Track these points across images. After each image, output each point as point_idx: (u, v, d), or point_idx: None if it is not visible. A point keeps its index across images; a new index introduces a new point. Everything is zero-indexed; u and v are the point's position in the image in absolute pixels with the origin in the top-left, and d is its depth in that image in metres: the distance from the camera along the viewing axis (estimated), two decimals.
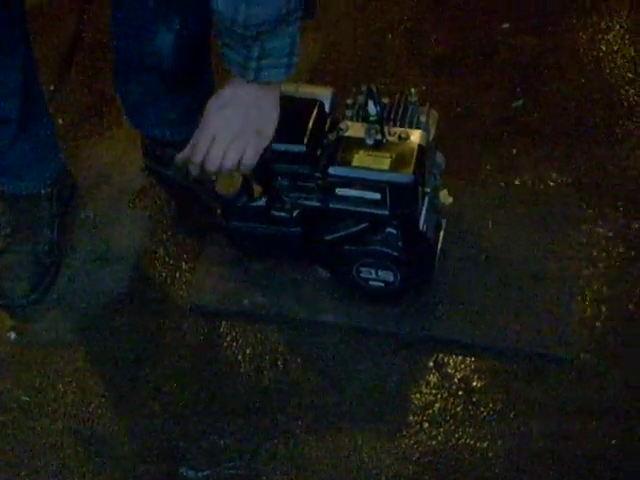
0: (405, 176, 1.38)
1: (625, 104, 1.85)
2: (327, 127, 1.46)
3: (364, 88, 1.44)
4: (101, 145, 1.87)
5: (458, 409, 1.49)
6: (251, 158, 1.39)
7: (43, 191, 1.70)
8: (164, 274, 1.68)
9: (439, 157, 1.55)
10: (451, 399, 1.50)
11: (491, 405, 1.49)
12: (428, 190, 1.48)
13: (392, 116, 1.44)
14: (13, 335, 1.63)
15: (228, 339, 1.59)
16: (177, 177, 1.73)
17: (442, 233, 1.59)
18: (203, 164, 1.39)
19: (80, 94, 1.94)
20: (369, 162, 1.39)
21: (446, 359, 1.54)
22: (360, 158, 1.39)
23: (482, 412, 1.48)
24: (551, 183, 1.74)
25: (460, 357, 1.54)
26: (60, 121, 1.89)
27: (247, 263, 1.65)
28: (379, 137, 1.40)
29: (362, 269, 1.50)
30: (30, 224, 1.68)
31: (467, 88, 1.90)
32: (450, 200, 1.63)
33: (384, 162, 1.38)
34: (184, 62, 1.60)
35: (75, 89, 1.94)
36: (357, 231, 1.46)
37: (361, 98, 1.45)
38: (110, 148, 1.87)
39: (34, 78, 1.63)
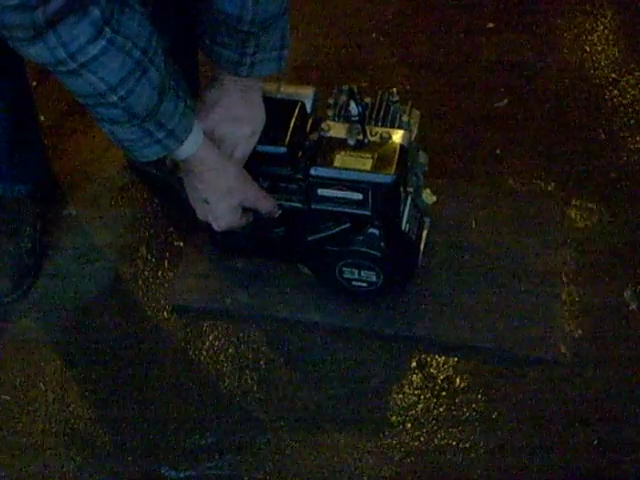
0: (387, 176, 1.37)
1: (609, 104, 1.85)
2: (308, 127, 1.45)
3: (345, 88, 1.43)
4: (83, 142, 1.87)
5: (441, 409, 1.49)
6: (239, 160, 1.40)
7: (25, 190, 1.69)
8: (146, 273, 1.67)
9: (422, 156, 1.54)
10: (434, 400, 1.50)
11: (474, 406, 1.49)
12: (410, 190, 1.48)
13: (374, 116, 1.44)
14: None
15: (210, 338, 1.59)
16: (162, 175, 1.72)
17: (426, 232, 1.59)
18: None
19: (62, 91, 1.90)
20: (351, 163, 1.38)
21: (429, 359, 1.54)
22: (342, 159, 1.39)
23: (464, 413, 1.48)
24: (534, 183, 1.74)
25: (443, 357, 1.54)
26: (42, 118, 1.87)
27: (229, 262, 1.64)
28: (361, 137, 1.40)
29: (345, 269, 1.49)
30: (12, 222, 1.67)
31: (450, 87, 1.90)
32: (434, 199, 1.63)
33: (366, 162, 1.38)
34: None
35: (57, 86, 1.90)
36: (339, 231, 1.45)
37: (343, 98, 1.44)
38: (92, 145, 1.86)
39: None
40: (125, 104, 1.19)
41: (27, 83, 1.63)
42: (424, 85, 1.90)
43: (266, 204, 1.44)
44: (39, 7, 1.05)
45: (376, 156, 1.39)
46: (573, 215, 1.68)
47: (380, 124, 1.43)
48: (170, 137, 1.26)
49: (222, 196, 1.39)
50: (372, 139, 1.40)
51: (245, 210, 1.44)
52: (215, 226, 1.44)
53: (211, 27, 1.30)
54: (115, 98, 1.17)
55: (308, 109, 1.45)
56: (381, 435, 1.47)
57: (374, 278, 1.50)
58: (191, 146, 1.30)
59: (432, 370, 1.53)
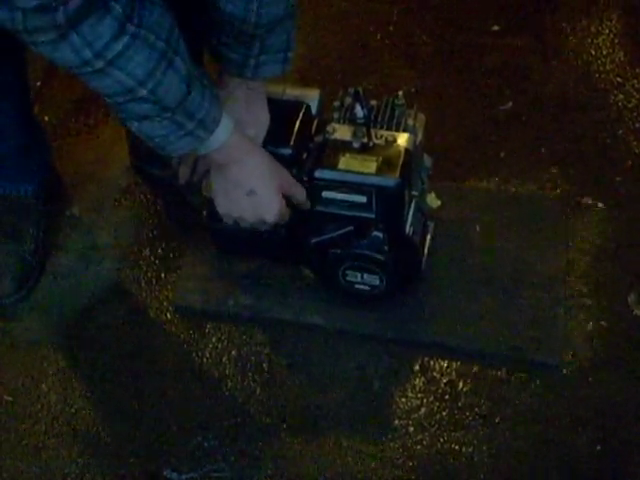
0: (391, 180, 1.37)
1: (614, 108, 1.85)
2: (314, 129, 1.45)
3: (351, 90, 1.43)
4: (87, 143, 1.86)
5: (443, 413, 1.49)
6: None
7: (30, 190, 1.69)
8: (149, 274, 1.67)
9: (427, 160, 1.54)
10: (437, 403, 1.50)
11: (476, 410, 1.48)
12: (415, 193, 1.48)
13: (379, 119, 1.44)
14: None
15: (213, 340, 1.59)
16: (165, 176, 1.72)
17: (429, 236, 1.58)
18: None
19: (66, 91, 1.92)
20: (355, 165, 1.38)
21: (432, 363, 1.54)
22: (346, 161, 1.39)
23: (467, 417, 1.48)
24: (538, 186, 1.73)
25: (446, 361, 1.54)
26: (46, 118, 1.88)
27: (232, 264, 1.64)
28: (366, 140, 1.39)
29: (348, 272, 1.49)
30: (15, 223, 1.67)
31: (455, 90, 1.90)
32: (438, 203, 1.63)
33: (370, 165, 1.38)
34: None
35: (61, 86, 1.93)
36: (343, 234, 1.45)
37: (348, 100, 1.44)
38: (96, 146, 1.86)
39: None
40: (155, 97, 1.18)
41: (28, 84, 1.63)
42: (429, 87, 1.90)
43: (300, 189, 1.42)
44: (59, 7, 1.05)
45: (381, 159, 1.38)
46: (577, 219, 1.68)
47: (385, 127, 1.43)
48: (200, 127, 1.26)
49: (266, 178, 1.37)
50: (377, 142, 1.40)
51: None
52: (269, 218, 1.40)
53: (216, 28, 1.30)
54: (145, 92, 1.17)
55: (313, 111, 1.45)
56: (384, 439, 1.47)
57: (377, 282, 1.49)
58: (223, 134, 1.29)
59: (435, 374, 1.53)
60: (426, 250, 1.57)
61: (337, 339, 1.57)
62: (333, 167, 1.39)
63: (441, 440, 1.46)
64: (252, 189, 1.37)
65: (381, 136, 1.41)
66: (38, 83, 1.91)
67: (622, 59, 1.93)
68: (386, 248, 1.45)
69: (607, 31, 1.98)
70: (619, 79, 1.90)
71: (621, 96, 1.87)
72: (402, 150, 1.39)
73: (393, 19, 2.04)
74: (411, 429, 1.47)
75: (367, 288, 1.51)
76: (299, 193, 1.42)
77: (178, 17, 1.26)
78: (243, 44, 1.29)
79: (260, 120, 1.39)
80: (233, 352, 1.57)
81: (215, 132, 1.28)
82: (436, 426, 1.47)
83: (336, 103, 1.46)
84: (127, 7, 1.10)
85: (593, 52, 1.95)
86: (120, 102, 1.20)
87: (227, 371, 1.55)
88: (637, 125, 1.82)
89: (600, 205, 1.70)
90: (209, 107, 1.25)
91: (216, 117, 1.27)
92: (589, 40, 1.97)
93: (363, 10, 2.06)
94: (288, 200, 1.42)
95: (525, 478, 1.42)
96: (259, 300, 1.60)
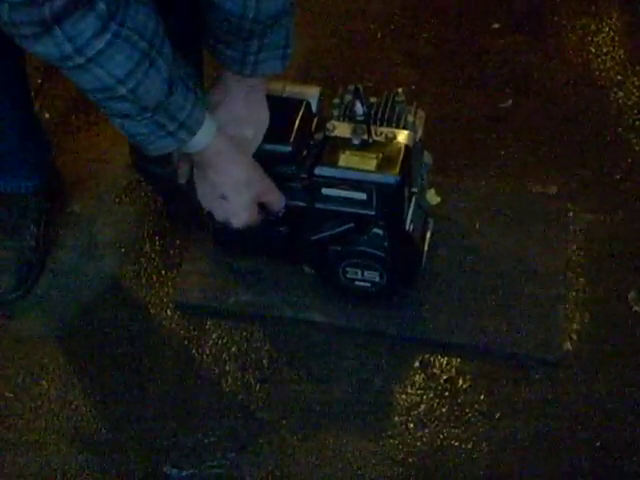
0: (391, 177, 1.37)
1: (614, 106, 1.85)
2: (314, 127, 1.45)
3: (351, 87, 1.43)
4: (88, 140, 1.86)
5: (443, 410, 1.49)
6: None
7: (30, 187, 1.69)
8: (149, 270, 1.67)
9: (427, 157, 1.54)
10: (437, 400, 1.50)
11: (476, 406, 1.49)
12: (415, 190, 1.48)
13: (379, 116, 1.44)
14: None
15: (214, 337, 1.59)
16: (165, 174, 1.72)
17: (429, 233, 1.58)
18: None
19: (67, 88, 1.92)
20: (355, 162, 1.38)
21: (432, 360, 1.54)
22: (346, 158, 1.39)
23: (467, 413, 1.48)
24: (538, 184, 1.73)
25: (446, 358, 1.54)
26: (47, 115, 1.88)
27: (233, 261, 1.64)
28: (366, 137, 1.40)
29: (348, 269, 1.49)
30: (16, 219, 1.67)
31: (456, 88, 1.90)
32: (438, 200, 1.63)
33: (370, 162, 1.38)
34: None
35: (62, 83, 1.92)
36: (343, 231, 1.45)
37: (348, 97, 1.44)
38: (97, 143, 1.86)
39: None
40: (134, 96, 1.18)
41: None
42: (429, 85, 1.90)
43: (277, 199, 1.43)
44: (45, 3, 1.05)
45: (381, 156, 1.38)
46: (577, 216, 1.68)
47: (385, 124, 1.43)
48: (182, 129, 1.26)
49: (241, 189, 1.38)
50: (377, 139, 1.40)
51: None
52: (236, 223, 1.42)
53: (214, 25, 1.30)
54: (124, 91, 1.17)
55: (313, 108, 1.45)
56: (384, 435, 1.47)
57: (377, 278, 1.49)
58: (205, 137, 1.29)
59: (435, 370, 1.53)
60: (426, 247, 1.57)
61: (337, 336, 1.57)
62: (333, 164, 1.39)
63: (441, 436, 1.46)
64: (225, 194, 1.39)
65: (381, 133, 1.41)
66: (39, 80, 1.91)
67: (622, 57, 1.93)
68: (386, 245, 1.45)
69: (607, 29, 1.98)
70: (619, 77, 1.90)
71: (621, 94, 1.87)
72: (402, 147, 1.39)
73: (394, 17, 2.04)
74: (411, 425, 1.48)
75: (367, 285, 1.51)
76: (276, 203, 1.44)
77: (175, 15, 1.27)
78: (241, 41, 1.29)
79: (260, 118, 1.39)
80: (233, 349, 1.57)
81: (197, 135, 1.28)
82: (436, 422, 1.48)
83: (336, 100, 1.46)
84: (112, 5, 1.10)
85: (593, 50, 1.95)
86: (100, 99, 1.20)
87: (227, 367, 1.55)
88: (637, 123, 1.82)
89: (600, 202, 1.70)
90: (191, 109, 1.25)
91: (199, 120, 1.27)
92: (589, 38, 1.97)
93: (363, 8, 2.06)
94: (264, 206, 1.43)
95: (524, 474, 1.42)
96: (259, 297, 1.60)
